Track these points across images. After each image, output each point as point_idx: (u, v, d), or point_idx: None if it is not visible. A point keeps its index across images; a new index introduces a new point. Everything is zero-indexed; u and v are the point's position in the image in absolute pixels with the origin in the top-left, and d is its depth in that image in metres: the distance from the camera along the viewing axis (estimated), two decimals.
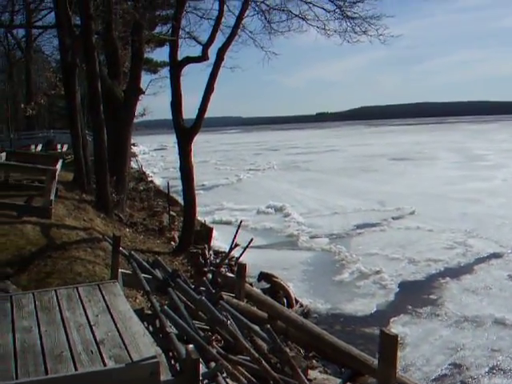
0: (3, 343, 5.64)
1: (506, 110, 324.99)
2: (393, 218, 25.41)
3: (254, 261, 16.35)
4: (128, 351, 5.42)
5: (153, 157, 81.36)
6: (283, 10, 18.18)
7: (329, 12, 17.98)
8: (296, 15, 18.10)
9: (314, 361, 10.59)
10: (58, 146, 40.50)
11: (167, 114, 18.03)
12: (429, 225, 23.38)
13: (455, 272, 16.95)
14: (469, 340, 11.71)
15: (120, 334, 5.81)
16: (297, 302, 14.13)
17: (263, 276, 15.00)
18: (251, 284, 14.24)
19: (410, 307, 13.74)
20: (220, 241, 20.10)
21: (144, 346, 5.57)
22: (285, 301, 13.73)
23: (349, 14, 17.69)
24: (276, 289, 14.38)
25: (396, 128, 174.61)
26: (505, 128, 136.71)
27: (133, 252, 9.78)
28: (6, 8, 40.56)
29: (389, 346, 6.28)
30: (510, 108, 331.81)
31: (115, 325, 6.07)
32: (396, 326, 12.21)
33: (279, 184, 40.80)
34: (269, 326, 7.74)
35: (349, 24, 17.79)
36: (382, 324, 12.02)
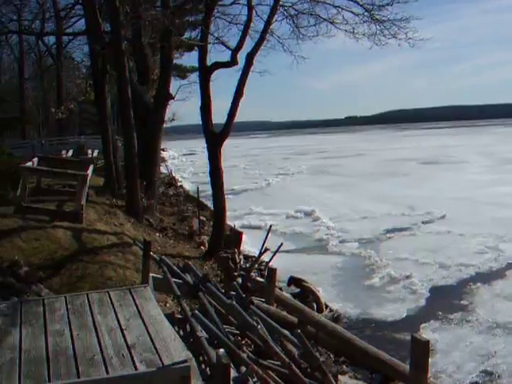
0: (36, 346, 5.71)
1: None
2: (423, 223, 25.14)
3: (283, 265, 16.31)
4: (159, 355, 5.45)
5: (182, 162, 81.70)
6: (311, 15, 18.19)
7: (357, 15, 17.93)
8: (324, 19, 18.08)
9: (344, 366, 10.54)
10: (89, 152, 40.88)
11: (197, 119, 18.15)
12: (459, 229, 23.07)
13: (486, 277, 16.72)
14: (500, 347, 11.49)
15: (151, 338, 5.85)
16: (326, 306, 14.09)
17: (293, 280, 14.99)
18: (281, 289, 14.23)
19: (440, 313, 13.56)
20: (250, 245, 20.09)
21: (175, 350, 5.59)
22: (314, 305, 13.69)
23: (377, 17, 17.63)
24: (306, 293, 14.35)
25: (425, 131, 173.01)
26: None
27: (163, 257, 9.84)
28: (37, 16, 41.27)
29: (420, 351, 6.22)
30: None
31: (146, 329, 6.11)
32: (426, 332, 12.07)
33: (308, 188, 40.68)
34: (299, 330, 7.71)
35: (378, 27, 17.72)
36: (413, 330, 11.87)
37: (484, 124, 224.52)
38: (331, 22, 18.12)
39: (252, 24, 17.59)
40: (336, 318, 13.23)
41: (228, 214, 19.58)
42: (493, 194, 32.84)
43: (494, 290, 15.42)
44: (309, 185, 43.12)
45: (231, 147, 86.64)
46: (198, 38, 19.02)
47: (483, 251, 19.59)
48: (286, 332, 8.10)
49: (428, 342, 6.26)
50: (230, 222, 21.59)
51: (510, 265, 17.97)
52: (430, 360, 10.14)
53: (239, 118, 18.18)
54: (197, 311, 7.55)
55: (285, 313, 11.20)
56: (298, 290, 14.72)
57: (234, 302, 7.91)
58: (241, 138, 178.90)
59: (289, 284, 15.04)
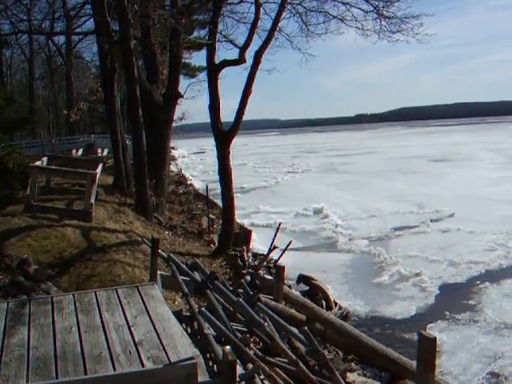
0: (44, 343, 5.76)
1: None
2: (432, 220, 25.07)
3: (292, 263, 16.36)
4: (166, 352, 5.48)
5: (192, 160, 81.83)
6: (320, 12, 18.19)
7: (366, 12, 17.92)
8: (334, 16, 18.08)
9: (352, 364, 10.53)
10: (99, 151, 41.01)
11: (206, 118, 18.16)
12: (469, 227, 23.00)
13: (496, 275, 16.64)
14: (508, 348, 11.41)
15: (158, 335, 5.87)
16: (336, 304, 14.06)
17: (302, 278, 14.98)
18: (290, 286, 14.22)
19: (448, 312, 13.49)
20: (259, 243, 20.10)
21: (182, 347, 5.62)
22: (324, 303, 13.67)
23: (386, 13, 17.61)
24: (315, 291, 14.33)
25: (435, 129, 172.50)
26: None
27: (171, 254, 9.85)
28: (47, 15, 41.49)
29: (427, 348, 6.23)
30: None
31: (153, 326, 6.14)
32: (433, 332, 11.95)
33: (317, 186, 40.65)
34: (306, 328, 7.71)
35: (385, 23, 17.70)
36: (421, 329, 11.83)
37: (496, 121, 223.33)
38: (341, 20, 18.12)
39: (260, 22, 17.64)
40: (345, 316, 13.21)
41: (237, 212, 19.64)
42: (503, 191, 32.73)
43: (503, 289, 15.32)
44: (318, 183, 43.07)
45: (240, 145, 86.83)
46: (207, 36, 19.05)
47: (493, 249, 19.52)
48: (294, 329, 8.08)
49: (435, 338, 6.28)
50: (239, 220, 21.63)
51: None
52: (436, 361, 10.17)
53: (248, 116, 18.23)
54: (204, 308, 7.55)
55: (293, 310, 11.19)
56: (307, 287, 14.69)
57: (242, 300, 7.91)
58: (250, 136, 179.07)
59: (298, 282, 15.02)
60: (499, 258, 18.39)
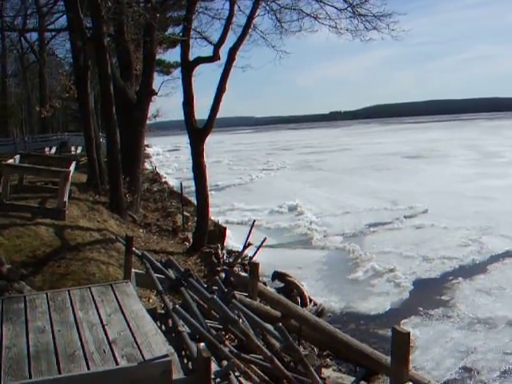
0: (17, 343, 5.69)
1: None
2: (406, 217, 25.29)
3: (268, 260, 16.43)
4: (140, 350, 5.45)
5: (166, 158, 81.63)
6: (294, 9, 18.19)
7: (340, 10, 17.98)
8: (307, 14, 18.10)
9: (328, 359, 10.59)
10: (72, 148, 40.74)
11: (180, 115, 18.10)
12: (443, 223, 23.27)
13: (469, 271, 16.86)
14: (480, 343, 11.56)
15: (132, 333, 5.84)
16: (311, 300, 14.14)
17: (277, 275, 15.02)
18: (265, 283, 14.25)
19: (422, 307, 13.65)
20: (233, 240, 20.14)
21: (156, 344, 5.59)
22: (299, 300, 13.73)
23: (360, 11, 17.68)
24: (290, 288, 14.39)
25: (410, 126, 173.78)
26: None
27: (146, 252, 9.81)
28: (19, 12, 40.95)
29: (401, 343, 6.27)
30: None
31: (128, 324, 6.10)
32: (407, 328, 12.02)
33: (292, 183, 40.76)
34: (281, 324, 7.73)
35: (360, 21, 17.77)
36: (394, 324, 11.91)
37: (467, 118, 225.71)
38: (314, 17, 18.14)
39: (235, 19, 17.60)
40: (320, 312, 13.28)
41: (212, 209, 19.63)
42: (476, 187, 33.13)
43: (476, 284, 15.51)
44: (292, 180, 43.22)
45: (215, 143, 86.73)
46: (181, 33, 18.96)
47: (466, 244, 19.78)
48: (269, 326, 8.10)
49: (409, 333, 6.32)
50: (213, 218, 21.60)
51: (492, 258, 18.15)
52: (409, 356, 10.25)
53: (222, 113, 18.24)
54: (178, 306, 7.53)
55: (268, 307, 11.20)
56: (282, 284, 14.74)
57: (216, 297, 7.90)
58: (224, 133, 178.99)
59: (273, 279, 15.06)
60: (472, 253, 18.61)
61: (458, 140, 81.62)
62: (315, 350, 10.92)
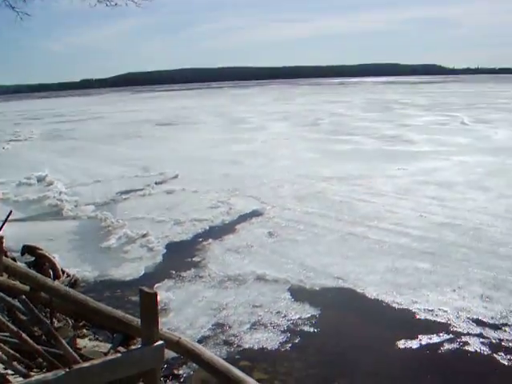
0: None
1: (264, 76, 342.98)
2: (157, 183, 25.63)
3: (17, 234, 15.77)
4: None
5: None
6: None
7: None
8: None
9: (84, 330, 10.43)
10: None
11: None
12: (193, 187, 23.94)
13: (219, 231, 17.53)
14: (231, 299, 12.10)
15: None
16: (63, 272, 13.73)
17: (27, 249, 14.32)
18: (14, 259, 13.52)
19: (175, 270, 13.93)
20: None
21: None
22: (51, 272, 13.29)
23: None
24: (41, 261, 13.80)
25: (162, 94, 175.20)
26: (265, 92, 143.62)
27: None
28: None
29: (149, 303, 6.38)
30: (268, 74, 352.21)
31: None
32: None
33: (41, 154, 39.00)
34: (24, 297, 7.43)
35: None
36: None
37: (217, 86, 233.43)
38: None
39: None
40: (73, 283, 12.96)
41: None
42: (225, 152, 34.55)
43: (225, 244, 16.16)
44: (42, 150, 41.34)
45: None
46: None
47: (216, 206, 20.56)
48: (13, 301, 7.75)
49: (155, 293, 6.43)
50: None
51: (240, 218, 19.08)
52: (164, 319, 10.48)
53: None
54: None
55: (16, 282, 10.70)
56: (32, 258, 14.15)
57: None
58: None
59: (22, 253, 14.32)
60: (222, 214, 19.42)
61: (207, 107, 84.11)
62: (70, 321, 10.67)
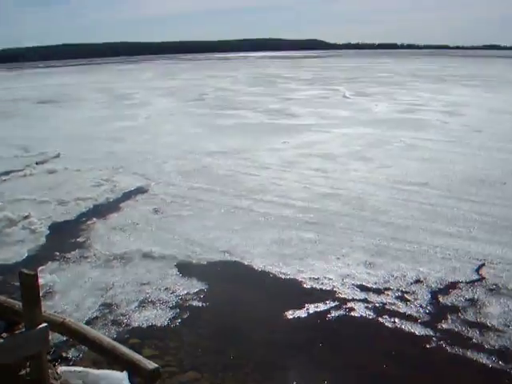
0: None
1: (151, 51, 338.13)
2: (38, 163, 24.64)
3: None
4: None
5: None
6: None
7: None
8: None
9: None
10: None
11: None
12: (76, 165, 23.36)
13: (103, 210, 17.28)
14: (118, 278, 12.01)
15: None
16: None
17: None
18: None
19: (59, 252, 13.58)
20: None
21: None
22: None
23: None
24: None
25: (42, 70, 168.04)
26: (150, 68, 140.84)
27: None
28: None
29: (29, 285, 6.25)
30: (155, 48, 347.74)
31: None
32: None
33: None
34: None
35: None
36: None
37: (100, 62, 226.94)
38: None
39: None
40: None
41: None
42: (108, 129, 33.83)
43: (110, 222, 15.96)
44: None
45: None
46: None
47: (100, 184, 20.22)
48: None
49: (35, 274, 6.32)
50: None
51: (124, 195, 18.92)
52: (49, 303, 10.22)
53: None
54: None
55: None
56: None
57: None
58: None
59: None
60: (106, 192, 19.16)
61: (90, 84, 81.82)
62: None
